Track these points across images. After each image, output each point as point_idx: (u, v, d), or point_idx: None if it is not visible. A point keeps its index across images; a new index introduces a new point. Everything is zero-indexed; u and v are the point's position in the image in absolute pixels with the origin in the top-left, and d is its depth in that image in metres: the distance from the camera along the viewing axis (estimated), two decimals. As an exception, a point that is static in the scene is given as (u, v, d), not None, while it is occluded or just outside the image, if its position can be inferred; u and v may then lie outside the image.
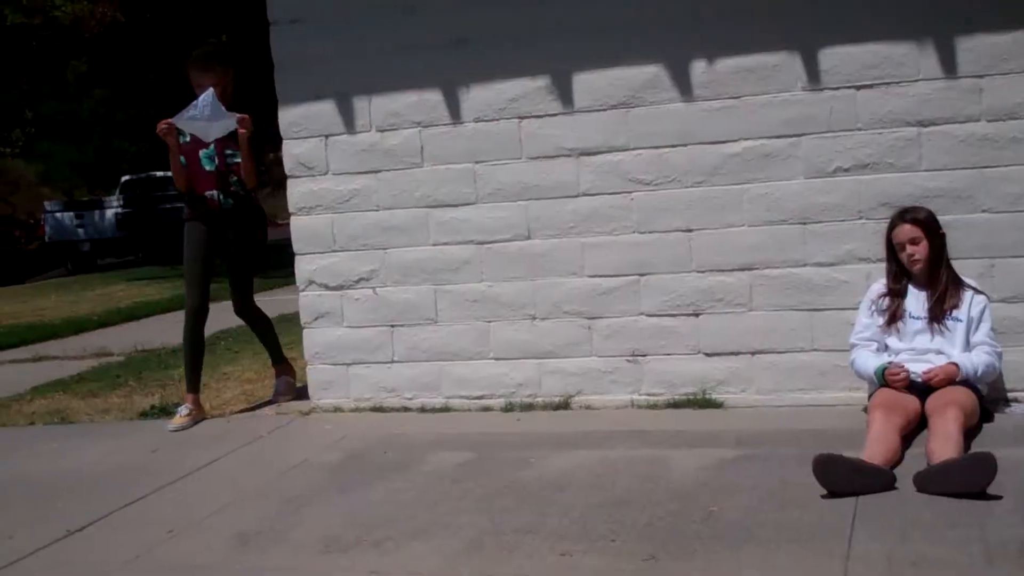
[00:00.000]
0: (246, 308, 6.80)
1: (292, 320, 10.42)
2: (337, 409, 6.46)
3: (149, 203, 27.54)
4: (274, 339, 6.96)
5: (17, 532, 4.63)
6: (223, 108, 6.21)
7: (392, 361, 6.37)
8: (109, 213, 28.65)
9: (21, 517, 4.89)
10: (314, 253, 6.43)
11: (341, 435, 5.87)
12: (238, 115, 6.24)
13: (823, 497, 4.11)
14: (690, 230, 5.76)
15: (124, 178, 30.08)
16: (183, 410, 6.50)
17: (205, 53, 6.55)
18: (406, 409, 6.31)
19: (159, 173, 29.65)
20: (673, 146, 5.73)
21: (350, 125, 6.27)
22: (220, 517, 4.64)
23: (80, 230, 28.81)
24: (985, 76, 5.28)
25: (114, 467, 5.66)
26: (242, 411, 6.72)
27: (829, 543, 3.67)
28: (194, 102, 6.18)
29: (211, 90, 6.15)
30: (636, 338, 5.91)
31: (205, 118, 6.18)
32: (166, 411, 6.83)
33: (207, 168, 6.41)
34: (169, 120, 6.23)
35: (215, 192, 6.42)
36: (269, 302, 13.18)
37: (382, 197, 6.27)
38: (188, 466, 5.49)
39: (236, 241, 6.56)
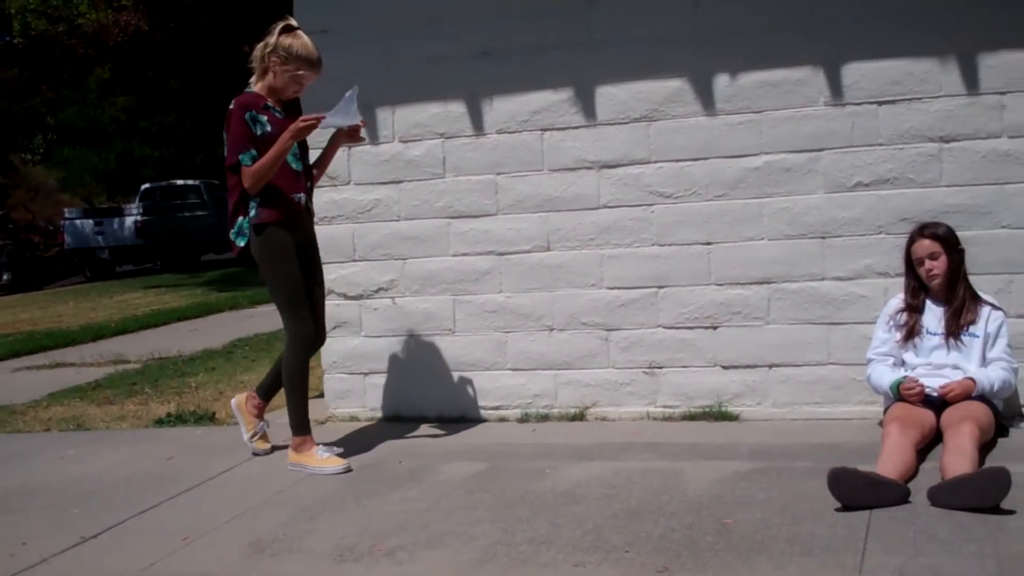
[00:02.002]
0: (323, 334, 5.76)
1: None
2: (353, 418, 6.47)
3: (168, 211, 27.69)
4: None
5: (31, 539, 4.63)
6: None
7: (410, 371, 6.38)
8: (128, 221, 28.76)
9: (35, 523, 4.89)
10: (334, 263, 6.43)
11: (357, 444, 5.88)
12: (360, 118, 5.45)
13: (837, 510, 4.10)
14: (709, 243, 5.76)
15: (144, 186, 30.27)
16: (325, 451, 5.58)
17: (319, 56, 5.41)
18: (423, 419, 6.31)
19: (179, 181, 29.85)
20: (694, 159, 5.74)
21: (373, 136, 6.27)
22: (235, 525, 4.64)
23: (99, 237, 28.93)
24: (1008, 93, 5.27)
25: (129, 474, 5.68)
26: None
27: (842, 556, 3.66)
28: (344, 103, 5.27)
29: (356, 87, 5.28)
30: (653, 350, 5.91)
31: (345, 117, 5.35)
32: (182, 419, 6.87)
33: (294, 167, 5.45)
34: (315, 117, 5.24)
35: (302, 195, 5.48)
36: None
37: (403, 207, 6.29)
38: (203, 474, 5.51)
39: (315, 253, 5.70)
